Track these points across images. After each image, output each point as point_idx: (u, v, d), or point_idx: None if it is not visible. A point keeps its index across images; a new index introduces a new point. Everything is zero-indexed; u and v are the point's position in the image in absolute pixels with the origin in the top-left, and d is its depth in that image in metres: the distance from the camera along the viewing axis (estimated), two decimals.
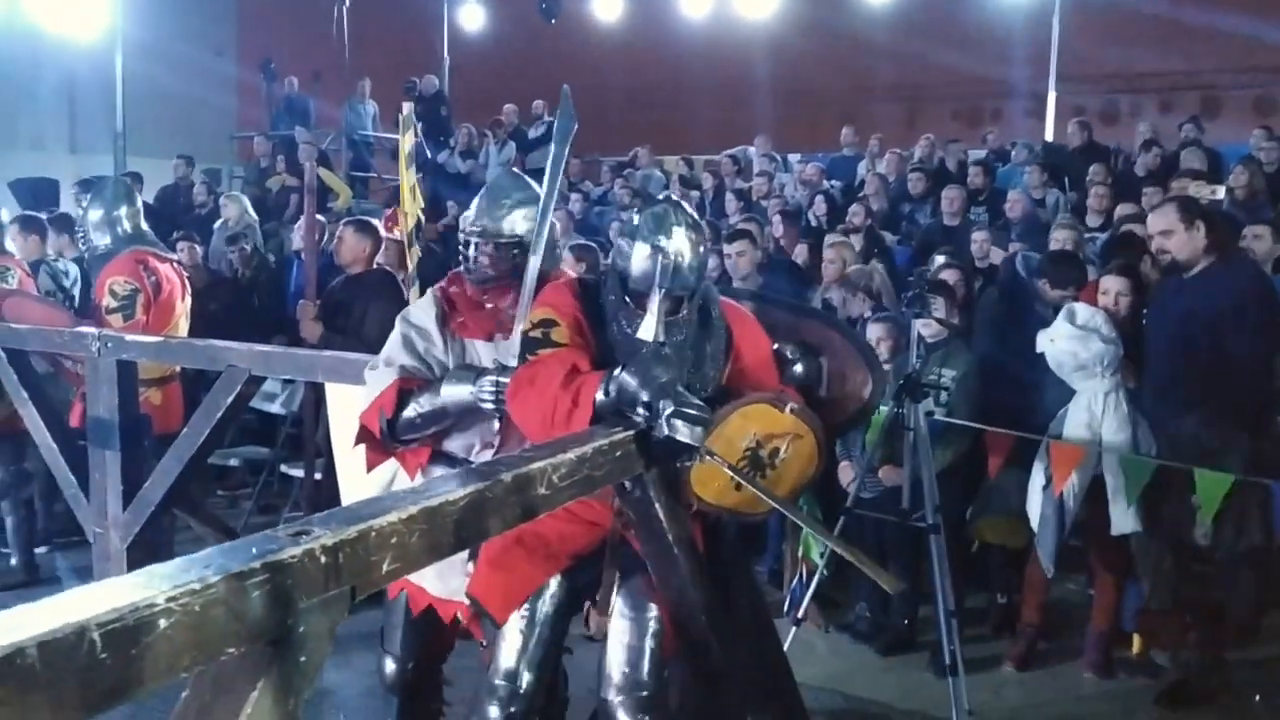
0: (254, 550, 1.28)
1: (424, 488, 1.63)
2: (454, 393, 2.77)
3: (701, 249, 2.64)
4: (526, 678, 2.62)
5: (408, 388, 2.84)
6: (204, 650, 1.18)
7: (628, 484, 2.34)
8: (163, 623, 1.11)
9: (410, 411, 2.82)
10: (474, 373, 2.78)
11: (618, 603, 2.69)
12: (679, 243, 2.57)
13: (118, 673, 1.07)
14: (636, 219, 2.69)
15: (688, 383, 2.47)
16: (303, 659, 1.32)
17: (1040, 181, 8.52)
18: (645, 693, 2.63)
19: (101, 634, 1.05)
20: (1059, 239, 5.43)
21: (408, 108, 4.54)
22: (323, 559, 1.34)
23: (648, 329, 2.49)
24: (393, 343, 3.01)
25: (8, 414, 4.76)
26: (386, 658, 3.07)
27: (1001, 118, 14.63)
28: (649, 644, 2.67)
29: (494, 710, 2.61)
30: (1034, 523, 4.06)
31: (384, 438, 2.88)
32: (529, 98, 12.64)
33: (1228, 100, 13.70)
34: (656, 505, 2.40)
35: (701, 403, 2.27)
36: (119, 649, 1.07)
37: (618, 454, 2.13)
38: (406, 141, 4.30)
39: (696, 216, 2.72)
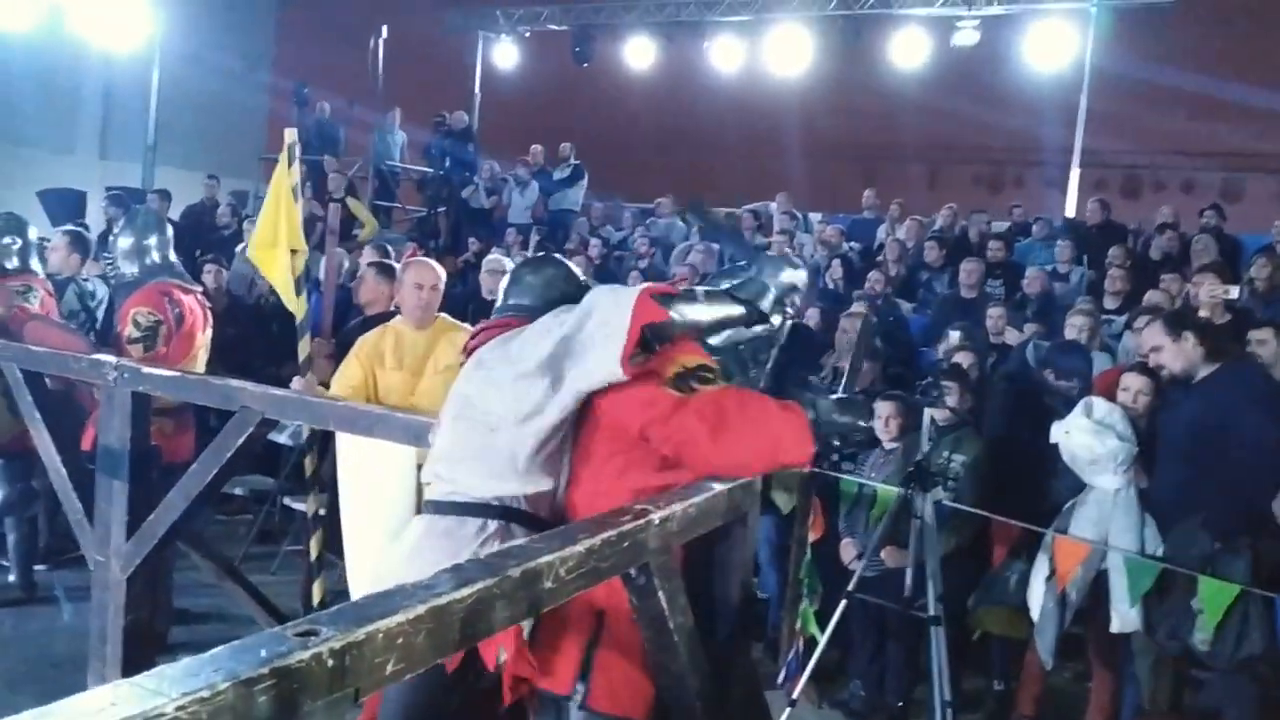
0: (263, 654, 1.28)
1: (431, 583, 1.64)
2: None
3: None
4: None
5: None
6: None
7: (633, 572, 2.35)
8: None
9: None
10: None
11: None
12: None
13: None
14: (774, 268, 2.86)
15: None
16: None
17: (1069, 257, 8.56)
18: None
19: None
20: (1074, 325, 5.44)
21: (291, 134, 4.55)
22: (330, 662, 1.34)
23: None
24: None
25: (19, 432, 4.79)
26: None
27: (1024, 185, 14.71)
28: None
29: None
30: (1034, 614, 4.04)
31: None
32: (557, 139, 12.76)
33: (1252, 183, 13.74)
34: (660, 594, 2.40)
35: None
36: None
37: (625, 544, 2.13)
38: (292, 175, 4.33)
39: None
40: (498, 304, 3.03)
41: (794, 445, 2.42)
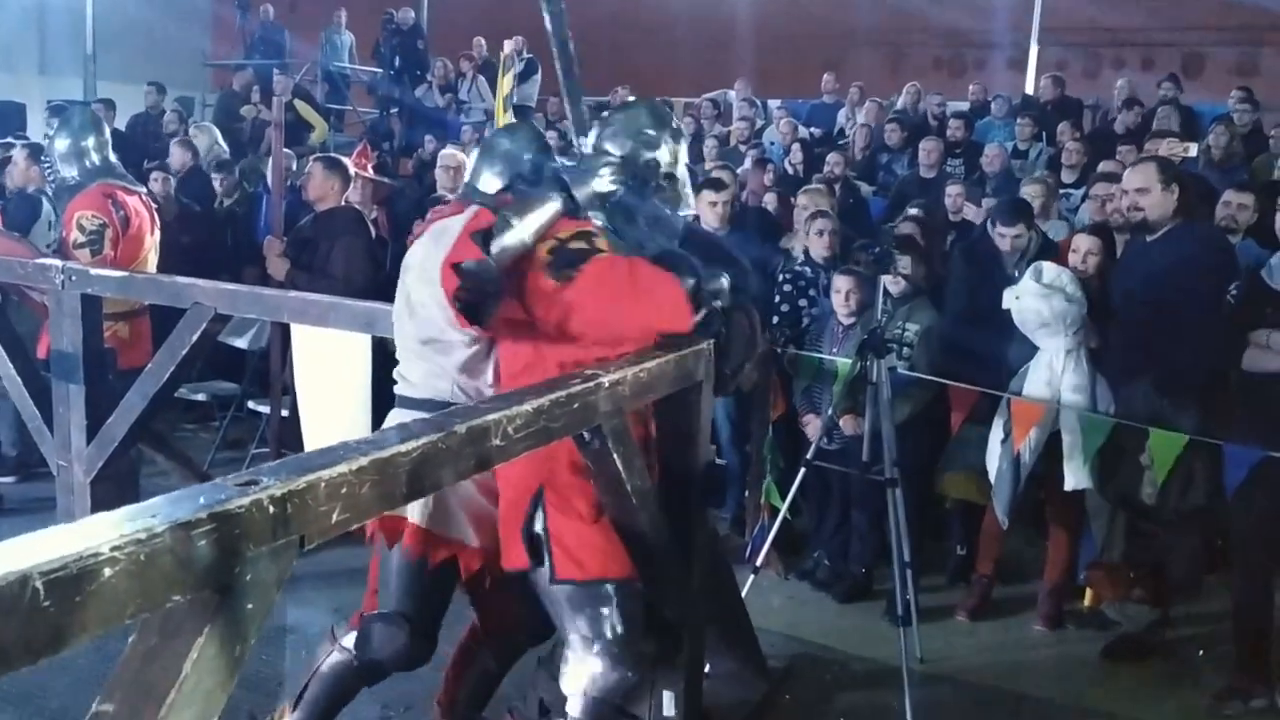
0: (201, 500, 1.29)
1: (377, 438, 1.65)
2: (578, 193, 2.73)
3: None
4: (614, 633, 2.61)
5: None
6: (149, 598, 1.19)
7: (586, 435, 2.37)
8: (107, 571, 1.13)
9: (504, 229, 2.59)
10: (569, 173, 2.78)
11: None
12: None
13: (60, 620, 1.09)
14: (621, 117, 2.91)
15: None
16: (250, 606, 1.34)
17: (1029, 135, 8.54)
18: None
19: (44, 582, 1.06)
20: (1029, 193, 5.44)
21: (510, 45, 4.63)
22: (271, 509, 1.35)
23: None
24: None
25: None
26: (382, 627, 2.75)
27: (984, 69, 14.58)
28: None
29: (609, 668, 2.61)
30: (991, 476, 4.13)
31: (474, 272, 2.58)
32: (506, 33, 12.44)
33: (1211, 59, 13.70)
34: (614, 456, 2.43)
35: None
36: (62, 597, 1.08)
37: (575, 406, 2.15)
38: (505, 84, 4.36)
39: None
40: (465, 175, 3.04)
41: (672, 314, 2.50)
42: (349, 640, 2.83)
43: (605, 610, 2.61)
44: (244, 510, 1.31)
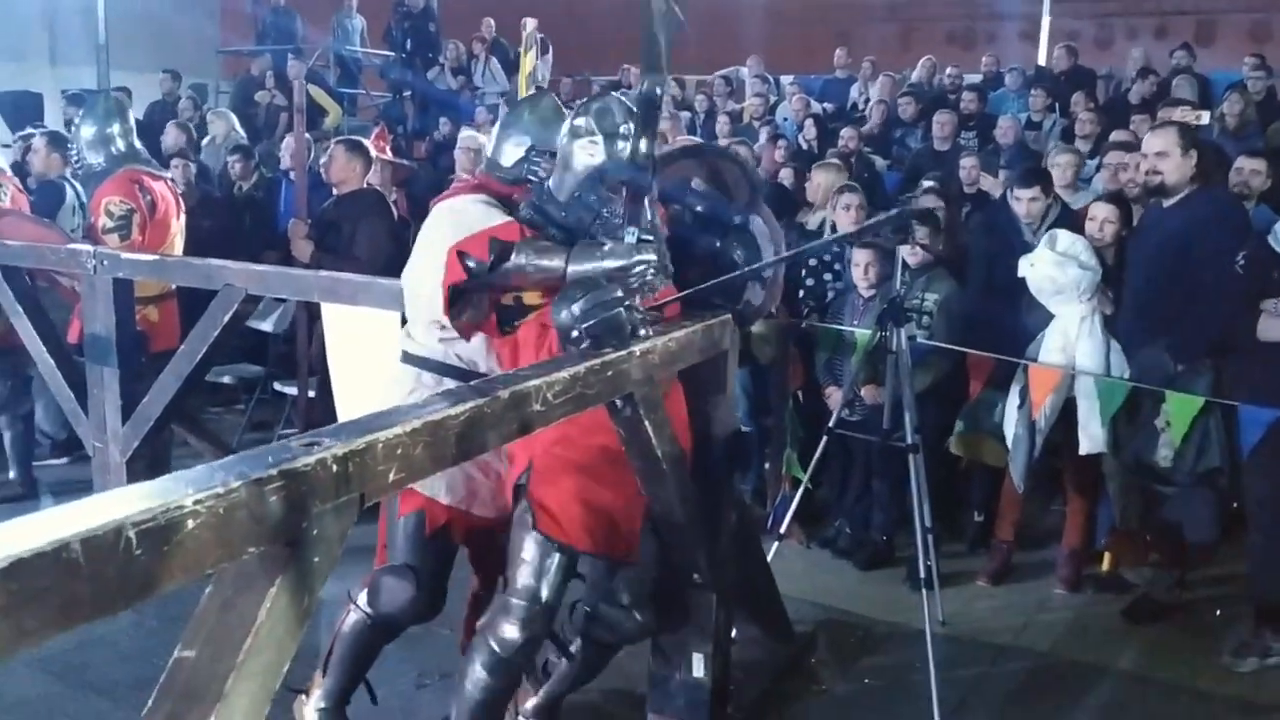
0: (270, 459, 1.37)
1: (426, 404, 1.72)
2: (585, 267, 2.59)
3: None
4: (545, 595, 2.66)
5: (523, 236, 2.70)
6: (227, 549, 1.27)
7: (618, 402, 2.44)
8: (190, 523, 1.21)
9: (518, 260, 2.64)
10: (598, 247, 2.64)
11: None
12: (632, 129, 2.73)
13: (151, 568, 1.17)
14: (583, 120, 2.81)
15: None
16: (316, 559, 1.42)
17: (1042, 106, 8.55)
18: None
19: (136, 532, 1.14)
20: (1061, 163, 5.44)
21: (531, 24, 4.63)
22: (334, 467, 1.43)
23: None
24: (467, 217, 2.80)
25: (4, 329, 4.81)
26: (391, 579, 2.88)
27: (996, 41, 14.52)
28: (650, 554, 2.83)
29: (512, 629, 2.66)
30: (1008, 442, 4.19)
31: (476, 271, 2.66)
32: (517, 14, 12.45)
33: (1224, 26, 13.61)
34: (646, 423, 2.50)
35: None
36: (152, 546, 1.16)
37: (609, 373, 2.22)
38: (528, 61, 4.38)
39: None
40: (487, 152, 3.11)
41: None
42: (363, 599, 2.94)
43: (551, 570, 2.67)
44: (310, 468, 1.39)
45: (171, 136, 7.59)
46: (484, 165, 3.15)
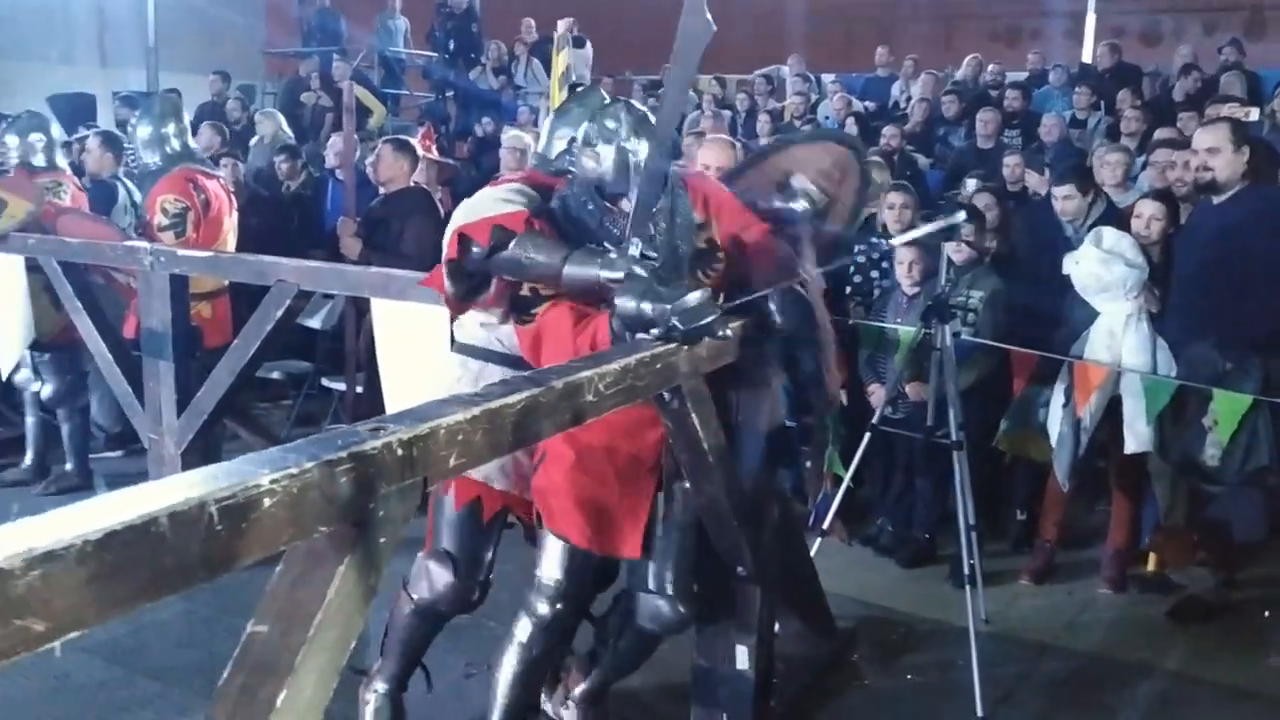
0: (340, 442, 1.42)
1: (484, 392, 1.77)
2: (580, 271, 2.58)
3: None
4: (559, 576, 2.82)
5: (529, 228, 2.70)
6: (300, 528, 1.33)
7: (666, 395, 2.48)
8: (267, 501, 1.26)
9: (515, 252, 2.66)
10: (600, 254, 2.62)
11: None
12: (641, 141, 2.74)
13: (230, 543, 1.22)
14: (591, 127, 2.84)
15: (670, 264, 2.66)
16: (382, 540, 1.47)
17: (1087, 103, 8.49)
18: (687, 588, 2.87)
19: (218, 508, 1.20)
20: (1111, 162, 5.40)
21: (563, 25, 4.68)
22: (399, 451, 1.48)
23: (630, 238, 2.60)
24: (480, 204, 2.84)
25: (64, 324, 4.94)
26: (432, 564, 2.95)
27: (1040, 38, 14.40)
28: (688, 545, 2.88)
29: (542, 605, 2.83)
30: (1052, 440, 4.18)
31: (472, 258, 2.73)
32: (558, 14, 12.53)
33: (1275, 20, 13.41)
34: (693, 416, 2.54)
35: (709, 312, 2.37)
36: (232, 522, 1.22)
37: (658, 366, 2.26)
38: (561, 60, 4.44)
39: (643, 110, 2.89)
40: (538, 147, 3.17)
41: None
42: (412, 586, 3.04)
43: (560, 555, 2.81)
44: (377, 451, 1.44)
45: (205, 137, 7.71)
46: (535, 159, 3.22)
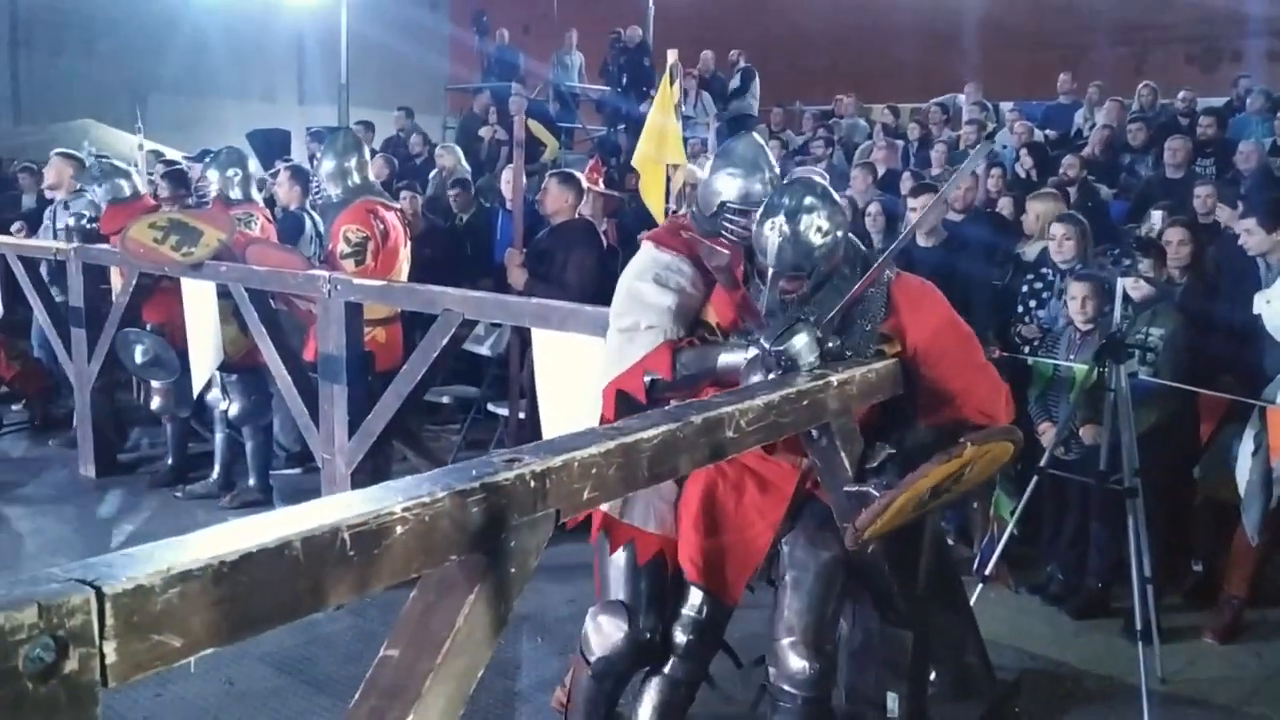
0: (473, 472, 1.45)
1: (621, 426, 1.77)
2: (731, 359, 2.69)
3: (825, 229, 2.69)
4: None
5: (676, 348, 2.78)
6: (431, 555, 1.36)
7: (814, 432, 2.43)
8: (399, 529, 1.30)
9: (679, 378, 2.75)
10: (746, 341, 2.69)
11: (795, 550, 2.79)
12: (798, 224, 2.67)
13: (362, 568, 1.26)
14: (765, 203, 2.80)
15: (835, 348, 2.60)
16: (513, 570, 1.49)
17: None
18: (817, 637, 2.74)
19: (351, 534, 1.24)
20: None
21: (673, 54, 4.73)
22: (532, 483, 1.50)
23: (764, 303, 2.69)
24: (634, 299, 2.91)
25: (250, 347, 5.25)
26: (603, 616, 2.86)
27: (1240, 62, 13.58)
28: (821, 591, 2.76)
29: (681, 635, 2.85)
30: (1240, 490, 3.90)
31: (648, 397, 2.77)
32: (731, 46, 12.62)
33: None
34: (841, 454, 2.48)
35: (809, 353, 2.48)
36: (364, 549, 1.25)
37: (804, 403, 2.22)
38: (674, 93, 4.50)
39: (831, 195, 2.78)
40: (700, 189, 3.18)
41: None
42: (585, 648, 2.93)
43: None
44: (509, 483, 1.46)
45: (376, 167, 8.08)
46: (696, 203, 3.19)
